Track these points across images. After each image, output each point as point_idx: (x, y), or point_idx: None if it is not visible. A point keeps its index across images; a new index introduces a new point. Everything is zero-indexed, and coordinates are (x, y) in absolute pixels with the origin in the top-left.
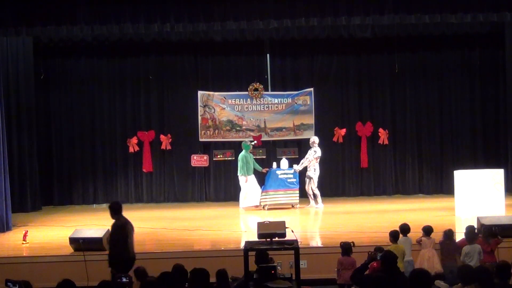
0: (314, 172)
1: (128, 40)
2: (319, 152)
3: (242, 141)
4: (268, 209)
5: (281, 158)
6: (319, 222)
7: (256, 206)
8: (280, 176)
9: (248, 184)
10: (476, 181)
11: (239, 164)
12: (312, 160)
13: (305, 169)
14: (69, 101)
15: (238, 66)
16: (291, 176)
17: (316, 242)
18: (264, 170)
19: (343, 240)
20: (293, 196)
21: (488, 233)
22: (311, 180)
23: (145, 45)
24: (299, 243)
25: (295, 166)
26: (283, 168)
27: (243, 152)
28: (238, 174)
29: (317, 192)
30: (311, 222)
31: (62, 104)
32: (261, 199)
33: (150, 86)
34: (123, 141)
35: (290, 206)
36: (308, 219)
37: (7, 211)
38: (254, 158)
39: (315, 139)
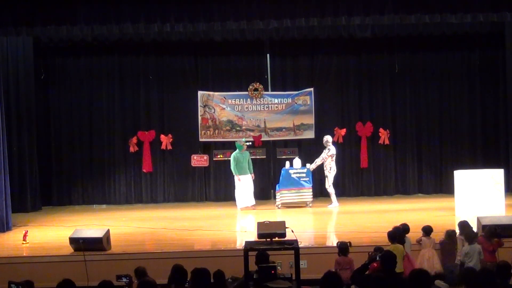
0: (329, 170)
1: (128, 40)
2: (333, 150)
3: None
4: (282, 207)
5: (294, 158)
6: (319, 222)
7: (253, 206)
8: (293, 175)
9: (241, 183)
10: (476, 181)
11: (231, 162)
12: (327, 158)
13: (322, 168)
14: (69, 101)
15: (238, 66)
16: (304, 175)
17: (317, 242)
18: (251, 176)
19: (340, 240)
20: (307, 194)
21: (491, 233)
22: (327, 178)
23: (145, 45)
24: (299, 243)
25: (308, 165)
26: (296, 167)
27: (235, 152)
28: (232, 169)
29: (331, 190)
30: (311, 222)
31: (62, 104)
32: (276, 199)
33: (150, 86)
34: (123, 141)
35: (304, 205)
36: (308, 219)
37: (7, 211)
38: (253, 158)
39: (328, 138)
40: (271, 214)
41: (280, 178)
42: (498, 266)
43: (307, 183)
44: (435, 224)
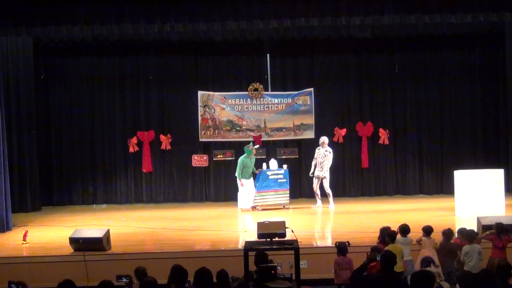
0: (327, 171)
1: (128, 40)
2: (332, 152)
3: (243, 142)
4: (262, 210)
5: (270, 159)
6: (319, 222)
7: (253, 208)
8: (270, 177)
9: (244, 187)
10: (476, 181)
11: (237, 166)
12: (331, 160)
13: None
14: (69, 101)
15: (238, 66)
16: (282, 176)
17: (316, 242)
18: (256, 172)
19: (339, 240)
20: (284, 196)
21: (501, 230)
22: (324, 179)
23: (145, 45)
24: (299, 243)
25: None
26: (273, 168)
27: (243, 156)
28: (236, 174)
29: (330, 191)
30: (311, 222)
31: (62, 104)
32: (253, 200)
33: (150, 86)
34: (123, 141)
35: (281, 207)
36: (308, 219)
37: (7, 211)
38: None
39: (324, 140)
40: (270, 214)
41: (257, 180)
42: (498, 266)
43: (285, 184)
44: (435, 224)
